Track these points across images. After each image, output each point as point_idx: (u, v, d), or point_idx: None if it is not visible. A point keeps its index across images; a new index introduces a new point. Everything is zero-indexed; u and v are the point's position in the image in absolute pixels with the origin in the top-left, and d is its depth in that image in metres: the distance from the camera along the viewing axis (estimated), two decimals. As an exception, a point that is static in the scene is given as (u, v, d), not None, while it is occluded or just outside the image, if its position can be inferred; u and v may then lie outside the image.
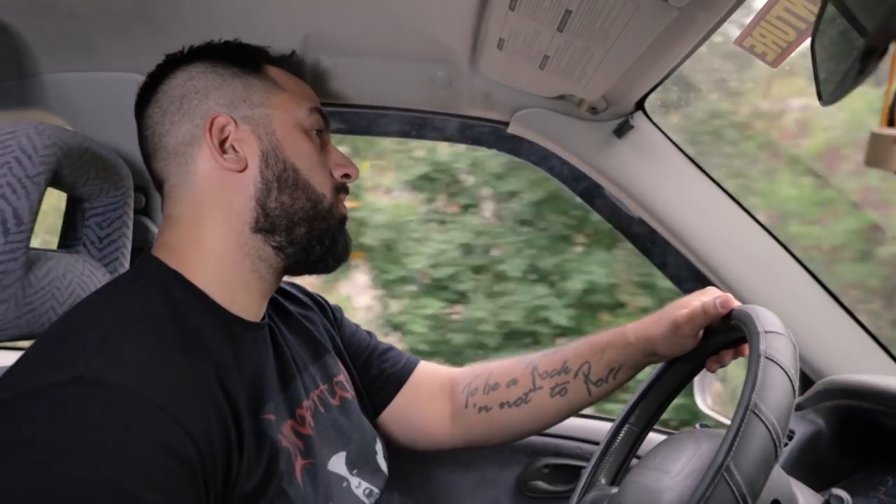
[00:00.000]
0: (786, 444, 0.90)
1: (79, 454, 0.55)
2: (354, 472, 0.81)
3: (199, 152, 0.73)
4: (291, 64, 0.85)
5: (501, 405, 0.92)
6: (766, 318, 0.66)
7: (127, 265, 0.96)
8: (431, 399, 0.97)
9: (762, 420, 0.54)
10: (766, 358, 0.59)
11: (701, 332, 0.80)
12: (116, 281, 0.74)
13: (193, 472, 0.58)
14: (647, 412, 0.84)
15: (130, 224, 0.96)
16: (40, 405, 0.57)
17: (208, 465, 0.60)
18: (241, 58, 0.78)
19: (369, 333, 1.02)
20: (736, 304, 0.77)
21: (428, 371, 1.00)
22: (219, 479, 0.61)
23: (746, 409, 0.55)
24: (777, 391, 0.56)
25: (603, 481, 0.82)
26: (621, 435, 0.84)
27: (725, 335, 0.79)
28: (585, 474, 0.83)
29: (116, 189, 0.93)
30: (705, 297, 0.79)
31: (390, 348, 1.01)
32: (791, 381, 0.58)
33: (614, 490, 0.75)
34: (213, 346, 0.67)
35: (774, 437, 0.54)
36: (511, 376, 0.92)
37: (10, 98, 1.01)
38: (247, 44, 0.82)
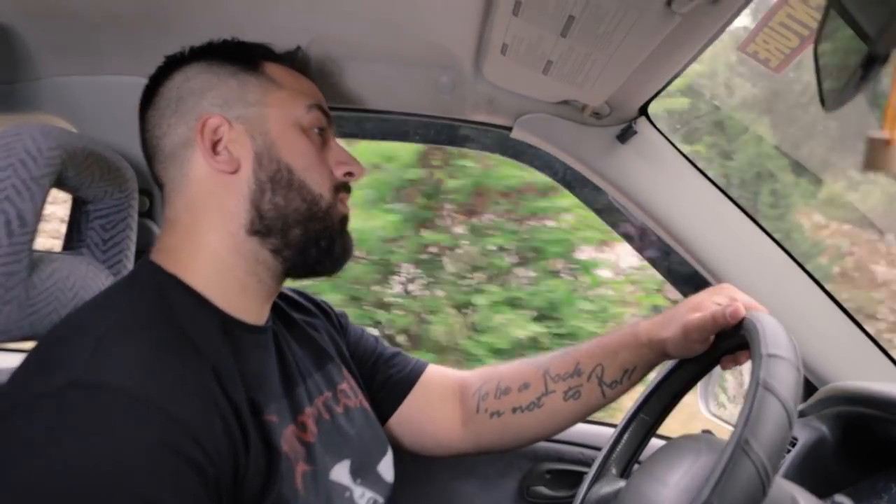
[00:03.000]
0: (788, 451, 0.89)
1: (85, 457, 0.53)
2: (358, 481, 0.80)
3: (193, 154, 0.73)
4: (296, 61, 0.84)
5: (514, 410, 0.90)
6: (771, 337, 0.63)
7: (131, 267, 0.97)
8: (441, 403, 0.96)
9: (751, 460, 0.53)
10: (764, 388, 0.57)
11: (712, 337, 0.79)
12: (113, 286, 0.73)
13: (202, 472, 0.57)
14: (660, 404, 0.83)
15: (134, 226, 0.97)
16: (40, 412, 0.55)
17: (217, 466, 0.58)
18: (240, 56, 0.77)
19: (376, 339, 1.01)
20: (744, 313, 0.74)
21: (437, 375, 0.98)
22: (228, 481, 0.60)
23: (738, 441, 0.54)
24: (770, 426, 0.54)
25: (613, 471, 0.82)
26: (634, 424, 0.83)
27: (736, 340, 0.77)
28: (598, 461, 0.82)
29: (120, 191, 0.94)
30: (718, 298, 0.77)
31: (397, 353, 0.99)
32: (787, 412, 0.56)
33: (622, 484, 0.75)
34: (210, 350, 0.66)
35: (763, 477, 0.52)
36: (522, 380, 0.90)
37: (16, 101, 1.02)
38: (246, 42, 0.81)
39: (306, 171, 0.75)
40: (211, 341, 0.67)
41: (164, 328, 0.64)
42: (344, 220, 0.79)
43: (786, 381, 0.58)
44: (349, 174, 0.79)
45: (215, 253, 0.72)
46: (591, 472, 0.82)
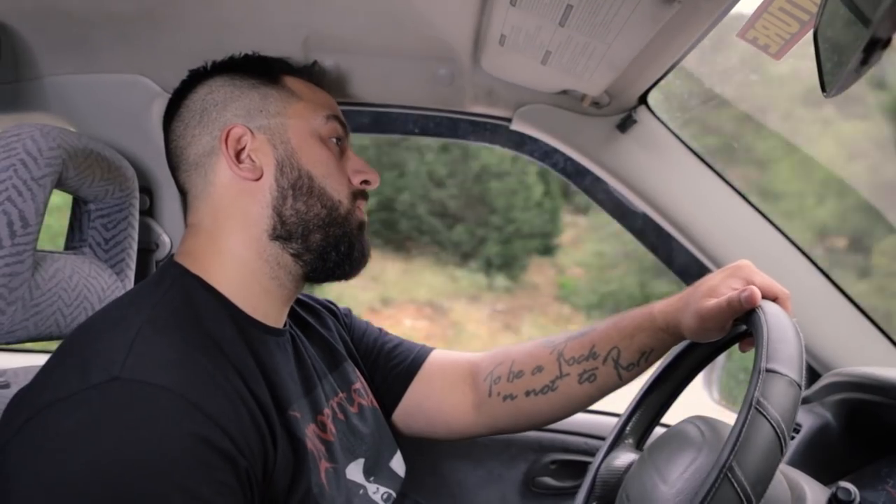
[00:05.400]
0: (792, 438, 0.90)
1: (129, 448, 0.55)
2: (371, 478, 0.82)
3: (217, 163, 0.75)
4: (313, 74, 0.87)
5: (527, 393, 0.90)
6: (773, 347, 0.59)
7: (133, 266, 0.97)
8: (449, 389, 0.96)
9: (735, 488, 0.51)
10: (756, 408, 0.54)
11: (730, 323, 0.75)
12: (140, 286, 0.75)
13: (235, 465, 0.59)
14: (684, 371, 0.82)
15: (136, 225, 0.97)
16: (82, 407, 0.57)
17: (248, 459, 0.61)
18: (260, 69, 0.81)
19: (379, 331, 1.02)
20: (759, 301, 0.69)
21: (443, 360, 0.98)
22: (259, 474, 0.62)
23: (723, 466, 0.52)
24: (758, 452, 0.52)
25: (630, 440, 0.81)
26: (651, 395, 0.82)
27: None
28: (618, 425, 0.82)
29: (121, 190, 0.94)
30: (733, 282, 0.74)
31: (399, 344, 1.00)
32: (779, 436, 0.53)
33: (635, 456, 0.75)
34: (234, 350, 0.68)
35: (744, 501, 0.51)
36: (536, 363, 0.90)
37: (15, 101, 1.02)
38: (266, 56, 0.84)
39: (326, 179, 0.77)
40: (233, 342, 0.69)
41: (191, 329, 0.67)
42: (362, 225, 0.81)
43: (782, 401, 0.55)
44: (366, 182, 0.82)
45: (238, 257, 0.75)
46: (609, 439, 0.81)
